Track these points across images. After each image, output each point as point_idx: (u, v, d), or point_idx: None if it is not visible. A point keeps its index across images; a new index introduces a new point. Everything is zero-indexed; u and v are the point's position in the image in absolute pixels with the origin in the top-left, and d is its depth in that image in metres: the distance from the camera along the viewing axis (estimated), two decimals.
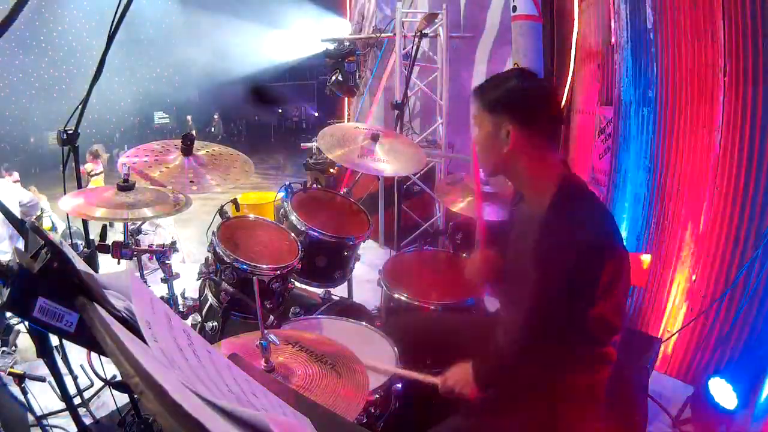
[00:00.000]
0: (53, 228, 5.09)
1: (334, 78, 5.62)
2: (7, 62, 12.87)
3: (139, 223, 2.09)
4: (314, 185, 2.64)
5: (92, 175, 7.52)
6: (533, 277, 1.38)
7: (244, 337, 1.51)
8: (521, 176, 1.46)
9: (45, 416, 2.19)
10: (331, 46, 5.74)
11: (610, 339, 1.30)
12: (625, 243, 1.59)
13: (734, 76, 2.28)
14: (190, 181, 2.01)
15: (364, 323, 1.86)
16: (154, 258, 1.99)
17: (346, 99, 6.69)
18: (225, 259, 2.00)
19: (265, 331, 1.27)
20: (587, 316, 1.28)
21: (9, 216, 1.05)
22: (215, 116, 17.84)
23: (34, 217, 3.89)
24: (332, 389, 1.27)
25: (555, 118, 1.49)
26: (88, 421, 2.20)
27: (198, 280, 2.17)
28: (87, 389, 2.41)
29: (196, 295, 2.20)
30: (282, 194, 2.43)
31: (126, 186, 1.84)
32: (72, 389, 2.30)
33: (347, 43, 5.67)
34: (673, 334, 2.57)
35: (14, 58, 13.00)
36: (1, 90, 13.27)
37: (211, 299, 2.11)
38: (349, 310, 2.21)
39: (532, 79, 1.44)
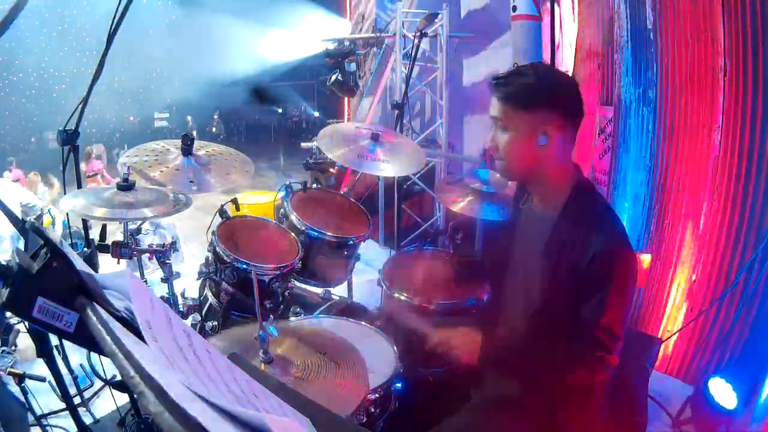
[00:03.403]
0: (53, 223, 4.88)
1: (334, 78, 5.61)
2: (7, 62, 12.86)
3: (139, 223, 2.09)
4: (314, 185, 2.64)
5: (89, 176, 7.31)
6: (543, 277, 1.37)
7: (244, 329, 1.51)
8: (542, 177, 1.38)
9: (45, 416, 2.19)
10: (331, 46, 5.73)
11: (615, 346, 1.28)
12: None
13: (734, 76, 2.28)
14: (190, 181, 2.00)
15: (364, 323, 1.86)
16: (154, 258, 1.99)
17: (346, 99, 6.68)
18: (225, 258, 2.00)
19: (264, 323, 1.26)
20: (597, 320, 1.26)
21: (10, 215, 1.05)
22: (215, 116, 17.82)
23: (34, 217, 3.88)
24: (331, 380, 1.27)
25: (583, 110, 1.38)
26: (88, 421, 2.19)
27: (198, 280, 2.17)
28: (87, 389, 2.41)
29: (196, 295, 2.20)
30: (282, 194, 2.43)
31: (126, 186, 1.84)
32: (72, 389, 2.30)
33: (347, 43, 5.67)
34: (673, 334, 2.57)
35: (14, 58, 12.99)
36: (1, 90, 13.26)
37: (211, 299, 2.11)
38: (349, 310, 2.21)
39: (556, 69, 1.35)
